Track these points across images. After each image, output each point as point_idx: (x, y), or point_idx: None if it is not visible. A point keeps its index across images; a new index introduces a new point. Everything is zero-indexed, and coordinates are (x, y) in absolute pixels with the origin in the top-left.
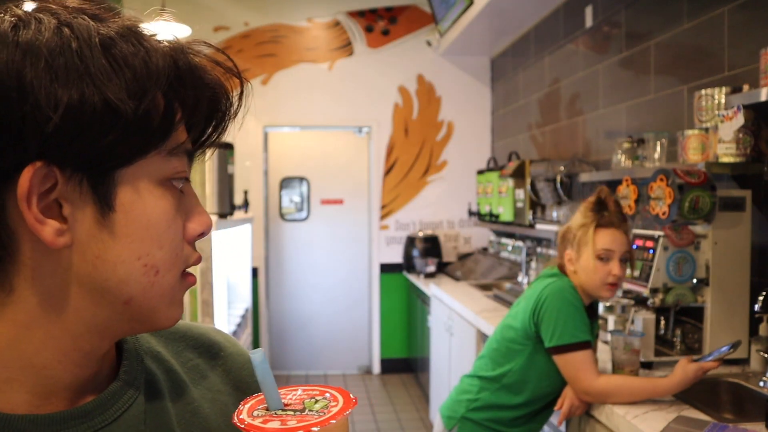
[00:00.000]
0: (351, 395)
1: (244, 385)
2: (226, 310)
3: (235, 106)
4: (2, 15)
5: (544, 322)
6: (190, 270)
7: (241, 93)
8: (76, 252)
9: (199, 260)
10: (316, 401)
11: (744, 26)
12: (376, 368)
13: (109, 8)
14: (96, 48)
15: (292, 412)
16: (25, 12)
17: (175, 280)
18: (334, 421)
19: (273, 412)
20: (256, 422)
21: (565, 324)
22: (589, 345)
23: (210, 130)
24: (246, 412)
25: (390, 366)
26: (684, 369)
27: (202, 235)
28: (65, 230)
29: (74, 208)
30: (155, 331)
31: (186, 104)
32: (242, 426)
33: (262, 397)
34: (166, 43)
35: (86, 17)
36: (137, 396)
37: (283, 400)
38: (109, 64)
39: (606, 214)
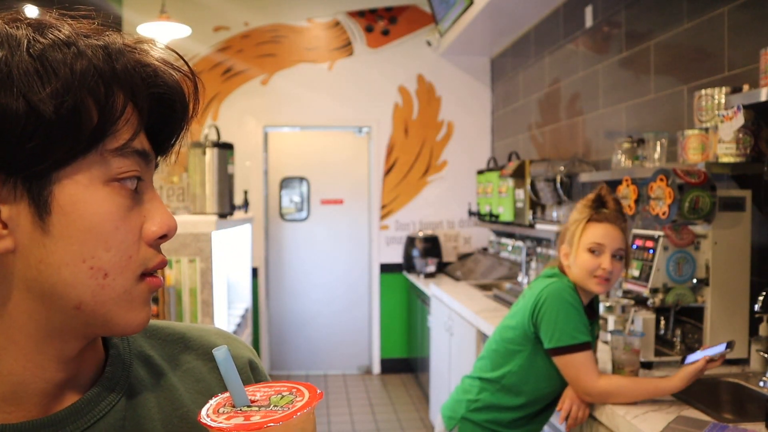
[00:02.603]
0: (318, 390)
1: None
2: (226, 310)
3: (191, 107)
4: None
5: (543, 324)
6: (157, 273)
7: (195, 91)
8: (19, 256)
9: (162, 264)
10: (282, 396)
11: (744, 26)
12: (376, 368)
13: (59, 18)
14: (23, 55)
15: (257, 408)
16: None
17: (130, 284)
18: (298, 415)
19: (238, 409)
20: (220, 419)
21: (564, 325)
22: (589, 346)
23: (169, 130)
24: (212, 410)
25: (390, 366)
26: (685, 369)
27: (164, 237)
28: (5, 235)
29: (12, 211)
30: (121, 335)
31: (133, 105)
32: (203, 423)
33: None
34: (105, 44)
35: (27, 26)
36: (117, 402)
37: (250, 397)
38: (34, 70)
39: (603, 210)
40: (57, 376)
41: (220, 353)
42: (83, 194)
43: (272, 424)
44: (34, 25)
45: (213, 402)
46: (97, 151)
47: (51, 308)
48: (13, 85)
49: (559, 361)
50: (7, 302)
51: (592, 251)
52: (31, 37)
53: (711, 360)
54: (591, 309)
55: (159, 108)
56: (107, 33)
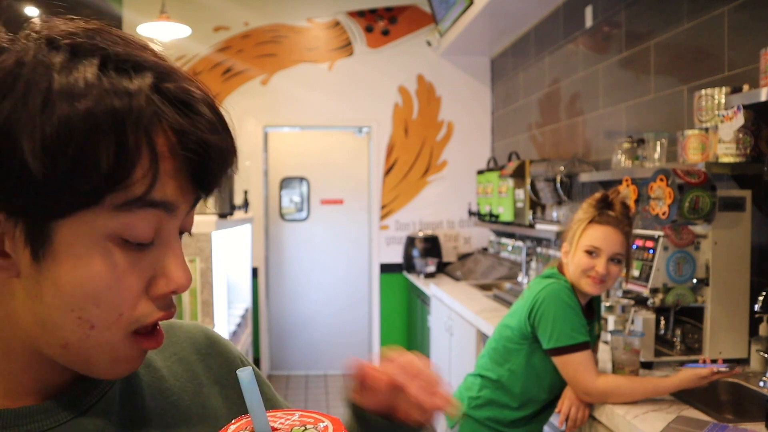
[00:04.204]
0: (343, 427)
1: (224, 381)
2: (226, 310)
3: (230, 163)
4: None
5: (541, 325)
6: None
7: (234, 150)
8: (22, 284)
9: (166, 317)
10: (305, 429)
11: (744, 26)
12: None
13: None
14: (35, 103)
15: None
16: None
17: (117, 339)
18: None
19: None
20: None
21: (562, 326)
22: (587, 345)
23: (202, 184)
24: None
25: None
26: (686, 371)
27: (174, 292)
28: (8, 265)
29: (14, 246)
30: (102, 379)
31: (150, 159)
32: None
33: (250, 419)
34: (127, 86)
35: (64, 51)
36: (111, 387)
37: (273, 424)
38: (40, 120)
39: (607, 212)
40: (56, 378)
41: (245, 375)
42: (79, 248)
43: None
44: (72, 48)
45: (233, 426)
46: (102, 205)
47: (41, 338)
48: (21, 130)
49: (558, 361)
50: (12, 319)
51: (589, 252)
52: (49, 82)
53: (717, 372)
54: (590, 309)
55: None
56: (143, 73)
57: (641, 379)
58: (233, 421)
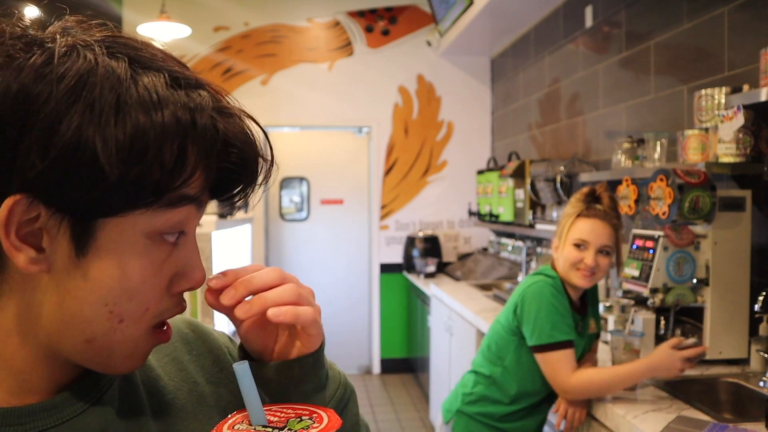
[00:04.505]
0: (339, 419)
1: (215, 379)
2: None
3: (263, 172)
4: (47, 45)
5: (524, 322)
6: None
7: (272, 161)
8: (53, 280)
9: (181, 311)
10: (300, 420)
11: (744, 26)
12: (376, 368)
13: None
14: (109, 110)
15: (271, 429)
16: (57, 49)
17: (140, 333)
18: None
19: (254, 428)
20: None
21: (543, 324)
22: (568, 344)
23: (236, 190)
24: (227, 427)
25: (390, 366)
26: (663, 351)
27: (191, 288)
28: (41, 259)
29: (53, 241)
30: (109, 374)
31: (199, 165)
32: None
33: (246, 412)
34: (193, 101)
35: (125, 59)
36: (112, 383)
37: (268, 417)
38: (114, 127)
39: (595, 206)
40: (64, 379)
41: (240, 369)
42: (123, 244)
43: None
44: (131, 58)
45: (230, 420)
46: (149, 207)
47: (65, 335)
48: (90, 138)
49: (538, 358)
50: (33, 316)
51: (577, 246)
52: (126, 83)
53: (686, 347)
54: (583, 304)
55: (227, 171)
56: (198, 90)
57: (615, 369)
58: (229, 416)
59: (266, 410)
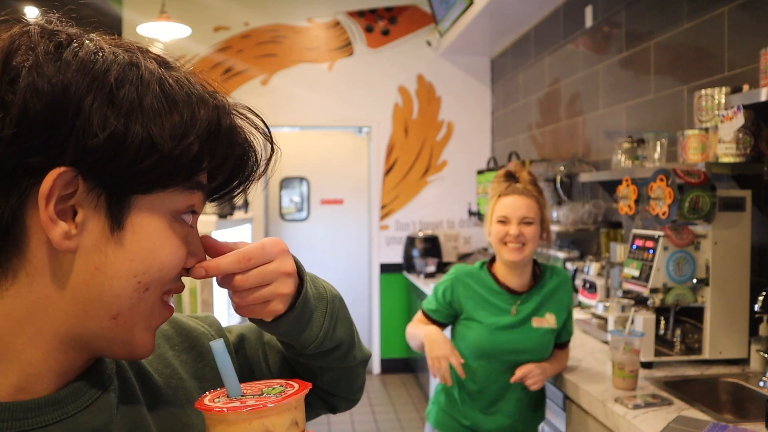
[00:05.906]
0: (308, 383)
1: (200, 374)
2: (226, 310)
3: (261, 168)
4: (86, 41)
5: None
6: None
7: (270, 158)
8: (79, 259)
9: (179, 290)
10: (273, 388)
11: (744, 26)
12: (376, 368)
13: (176, 60)
14: (154, 90)
15: (251, 396)
16: (107, 44)
17: (154, 300)
18: (290, 399)
19: (233, 398)
20: (218, 404)
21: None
22: (425, 312)
23: (233, 184)
24: (208, 399)
25: (390, 366)
26: (442, 342)
27: (196, 263)
28: (74, 235)
29: (87, 217)
30: (127, 358)
31: (215, 156)
32: (204, 407)
33: (224, 389)
34: (216, 99)
35: (155, 62)
36: (111, 381)
37: (244, 390)
38: (160, 106)
39: (515, 185)
40: (70, 372)
41: (217, 345)
42: (154, 220)
43: (271, 405)
44: (160, 62)
45: (209, 394)
46: (178, 186)
47: (89, 315)
48: (142, 115)
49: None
50: (53, 300)
51: (502, 222)
52: (163, 75)
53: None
54: (535, 281)
55: (232, 165)
56: (215, 91)
57: (417, 325)
58: (208, 392)
59: (242, 386)
